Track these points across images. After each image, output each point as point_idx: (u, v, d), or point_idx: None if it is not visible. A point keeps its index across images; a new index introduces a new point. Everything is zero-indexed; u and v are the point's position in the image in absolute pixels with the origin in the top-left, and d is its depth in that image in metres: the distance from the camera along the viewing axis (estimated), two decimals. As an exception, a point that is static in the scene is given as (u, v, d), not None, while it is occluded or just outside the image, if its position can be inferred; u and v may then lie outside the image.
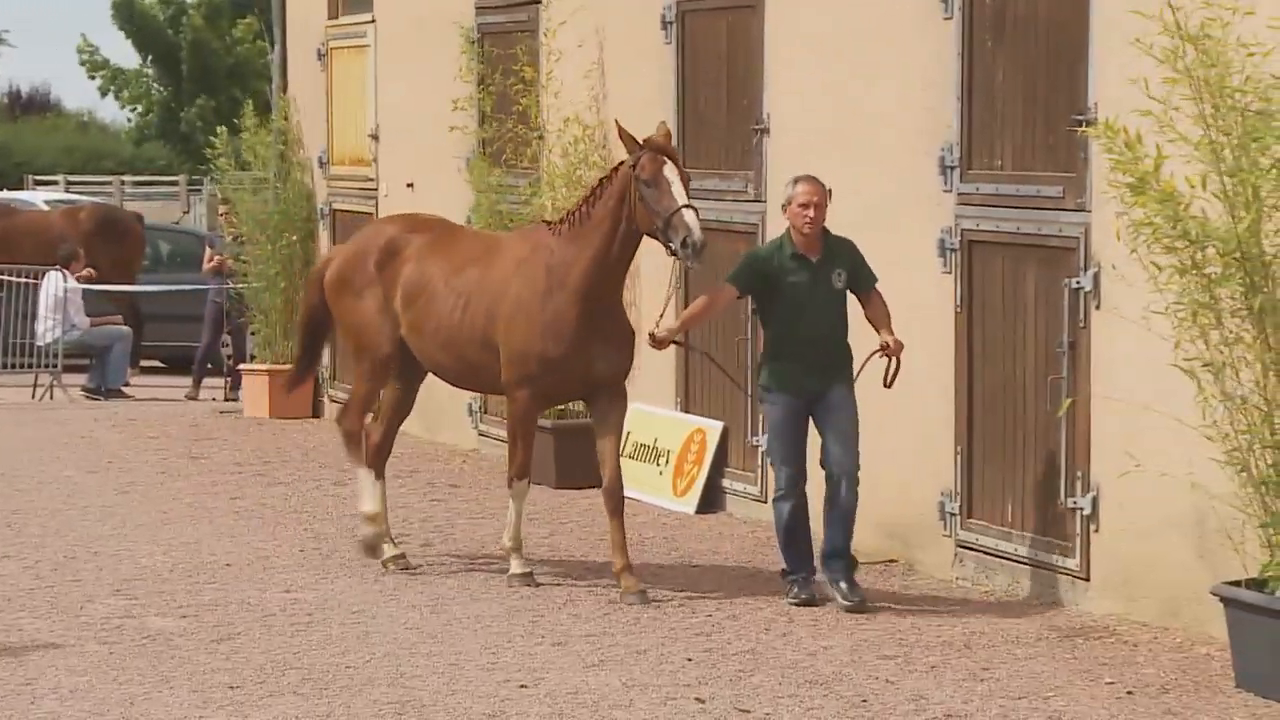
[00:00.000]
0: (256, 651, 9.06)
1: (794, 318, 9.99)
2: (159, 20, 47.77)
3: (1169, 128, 8.65)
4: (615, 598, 10.16)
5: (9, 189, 37.05)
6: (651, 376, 12.68)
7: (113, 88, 48.55)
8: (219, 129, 18.78)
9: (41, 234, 21.80)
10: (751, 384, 11.63)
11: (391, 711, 8.11)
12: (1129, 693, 8.50)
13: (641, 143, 10.07)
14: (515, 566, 10.52)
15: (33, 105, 60.54)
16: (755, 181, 12.40)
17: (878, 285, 10.16)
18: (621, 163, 10.19)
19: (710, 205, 11.68)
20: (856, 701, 8.31)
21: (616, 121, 10.18)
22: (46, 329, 19.95)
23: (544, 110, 14.25)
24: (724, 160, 12.63)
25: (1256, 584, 8.59)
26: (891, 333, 9.98)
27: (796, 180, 10.10)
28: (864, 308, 10.13)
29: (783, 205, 10.14)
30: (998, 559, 10.56)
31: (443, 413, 14.92)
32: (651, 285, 12.24)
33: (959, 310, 10.78)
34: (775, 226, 12.12)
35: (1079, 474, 10.01)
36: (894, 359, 9.97)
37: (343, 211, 17.41)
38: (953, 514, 10.85)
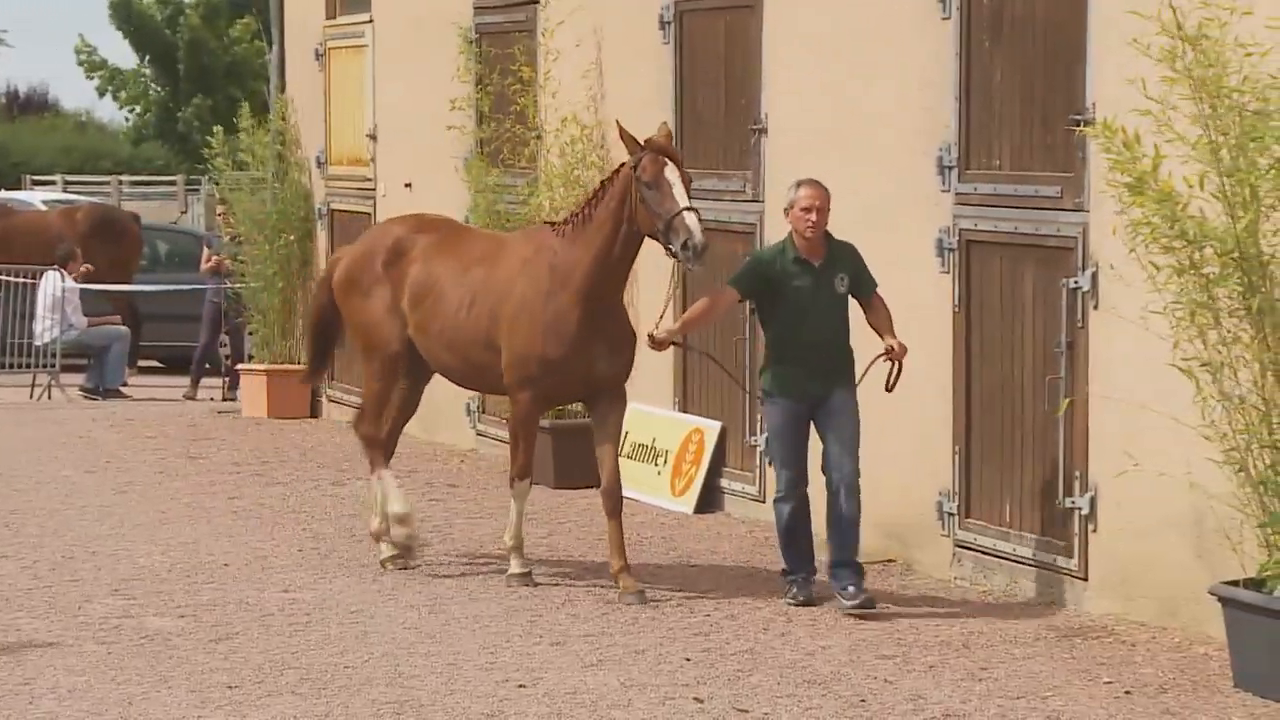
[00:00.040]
0: (255, 651, 9.06)
1: (796, 322, 9.96)
2: (156, 20, 47.79)
3: (1167, 127, 8.65)
4: (613, 598, 10.16)
5: (7, 189, 37.05)
6: (649, 376, 12.68)
7: (110, 88, 48.54)
8: (216, 129, 18.78)
9: (39, 234, 21.80)
10: (751, 383, 11.65)
11: (390, 711, 8.11)
12: (1127, 692, 8.50)
13: (643, 144, 10.05)
14: (514, 566, 10.53)
15: (30, 105, 60.53)
16: (753, 181, 12.40)
17: (878, 288, 10.15)
18: (623, 164, 10.18)
19: (708, 205, 11.67)
20: (855, 701, 8.31)
21: (618, 122, 10.17)
22: (44, 329, 19.94)
23: (542, 110, 14.25)
24: (722, 160, 12.63)
25: (1254, 584, 8.60)
26: (895, 337, 9.96)
27: (799, 184, 10.05)
28: (866, 312, 10.11)
29: (785, 209, 10.09)
30: (996, 559, 10.57)
31: (441, 413, 14.91)
32: (650, 286, 12.23)
33: (957, 310, 10.78)
34: (773, 226, 12.13)
35: (1077, 474, 10.01)
36: (897, 363, 9.95)
37: (340, 211, 17.41)
38: (951, 514, 10.85)
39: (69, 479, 14.01)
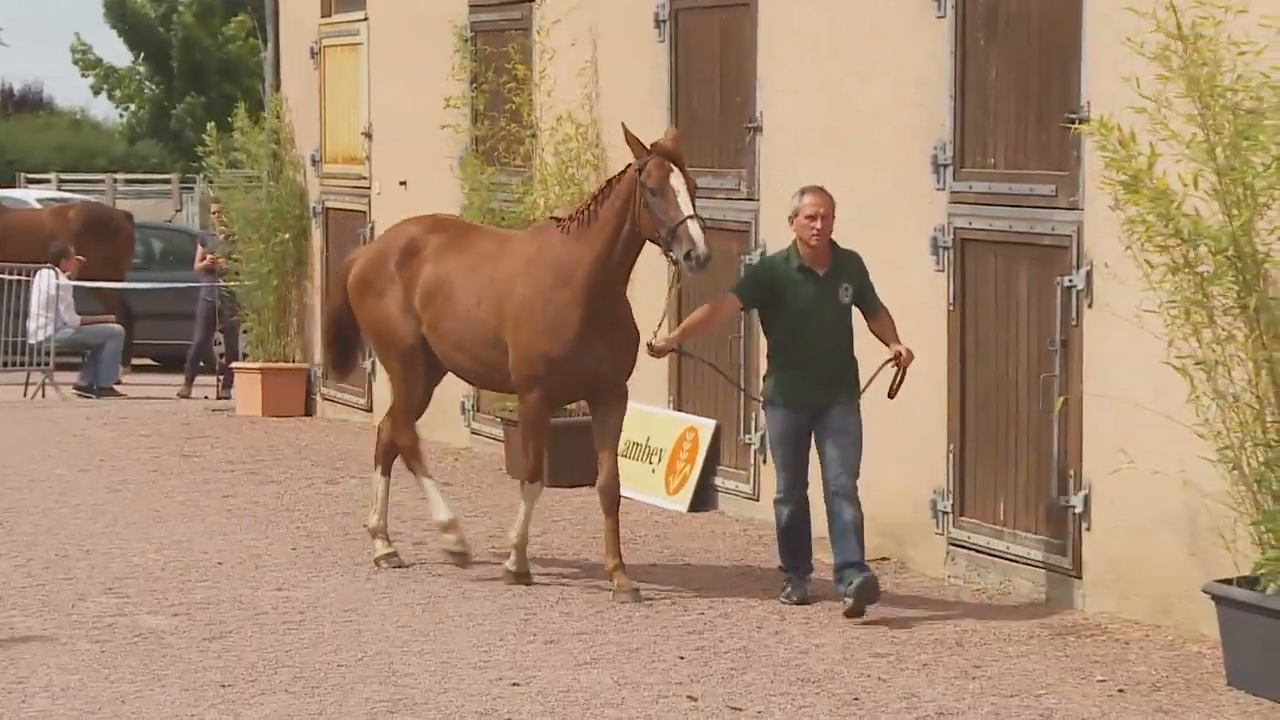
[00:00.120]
0: (248, 650, 9.05)
1: (799, 330, 9.89)
2: (150, 17, 47.75)
3: (1161, 126, 8.66)
4: (608, 596, 10.16)
5: (1, 187, 37.03)
6: (644, 375, 12.64)
7: (105, 86, 48.51)
8: (210, 126, 18.77)
9: (32, 232, 21.78)
10: (748, 385, 11.64)
11: (383, 710, 8.10)
12: (1120, 690, 8.50)
13: (649, 147, 10.01)
14: (513, 563, 10.51)
15: (25, 103, 60.53)
16: (748, 180, 12.40)
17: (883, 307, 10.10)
18: (629, 165, 10.14)
19: (703, 203, 11.65)
20: (848, 699, 8.31)
21: (624, 126, 10.11)
22: (39, 326, 19.93)
23: (537, 108, 14.25)
24: (717, 158, 12.63)
25: (1248, 582, 8.60)
26: (900, 344, 9.92)
27: (803, 192, 9.97)
28: (869, 321, 10.05)
29: (789, 217, 10.00)
30: (990, 557, 10.57)
31: (436, 411, 14.78)
32: (646, 285, 12.22)
33: (952, 309, 10.78)
34: (768, 225, 12.14)
35: (1071, 472, 10.01)
36: (902, 370, 9.92)
37: (335, 210, 17.40)
38: (945, 512, 10.86)
39: (63, 477, 14.00)
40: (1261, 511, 8.64)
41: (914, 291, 10.81)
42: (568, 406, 11.88)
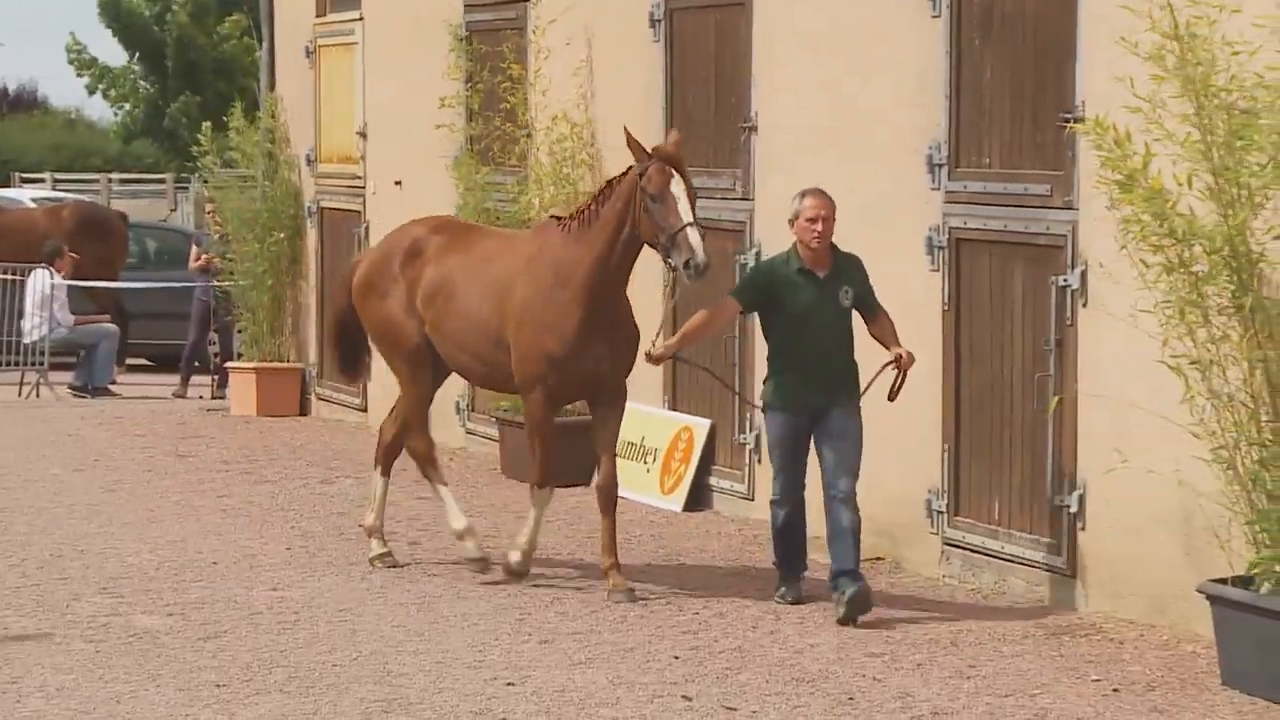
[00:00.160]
0: (243, 649, 9.05)
1: (799, 333, 9.85)
2: (145, 17, 47.72)
3: (1156, 125, 8.66)
4: (603, 596, 10.16)
5: (-4, 186, 37.02)
6: (640, 375, 12.60)
7: (100, 85, 48.48)
8: (205, 126, 18.76)
9: (26, 232, 21.75)
10: (743, 385, 11.62)
11: (378, 709, 8.10)
12: (1115, 690, 8.50)
13: (650, 152, 9.98)
14: (515, 560, 10.48)
15: (20, 103, 60.46)
16: (743, 180, 12.40)
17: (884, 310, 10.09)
18: (630, 168, 10.12)
19: (698, 203, 11.66)
20: (843, 699, 8.31)
21: (626, 130, 10.08)
22: (33, 326, 19.92)
23: (532, 108, 14.24)
24: (712, 158, 12.62)
25: (1242, 581, 8.61)
26: (901, 346, 9.90)
27: (803, 194, 9.94)
28: (869, 325, 10.03)
29: (790, 220, 9.97)
30: (985, 557, 10.57)
31: (431, 411, 14.87)
32: (642, 284, 12.21)
33: (946, 308, 10.79)
34: (763, 224, 12.14)
35: (1066, 472, 10.02)
36: (902, 373, 9.90)
37: (330, 209, 17.40)
38: (940, 512, 10.86)
39: (57, 477, 13.99)
40: (1256, 511, 8.65)
41: (909, 291, 10.81)
42: (566, 406, 11.85)
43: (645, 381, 12.96)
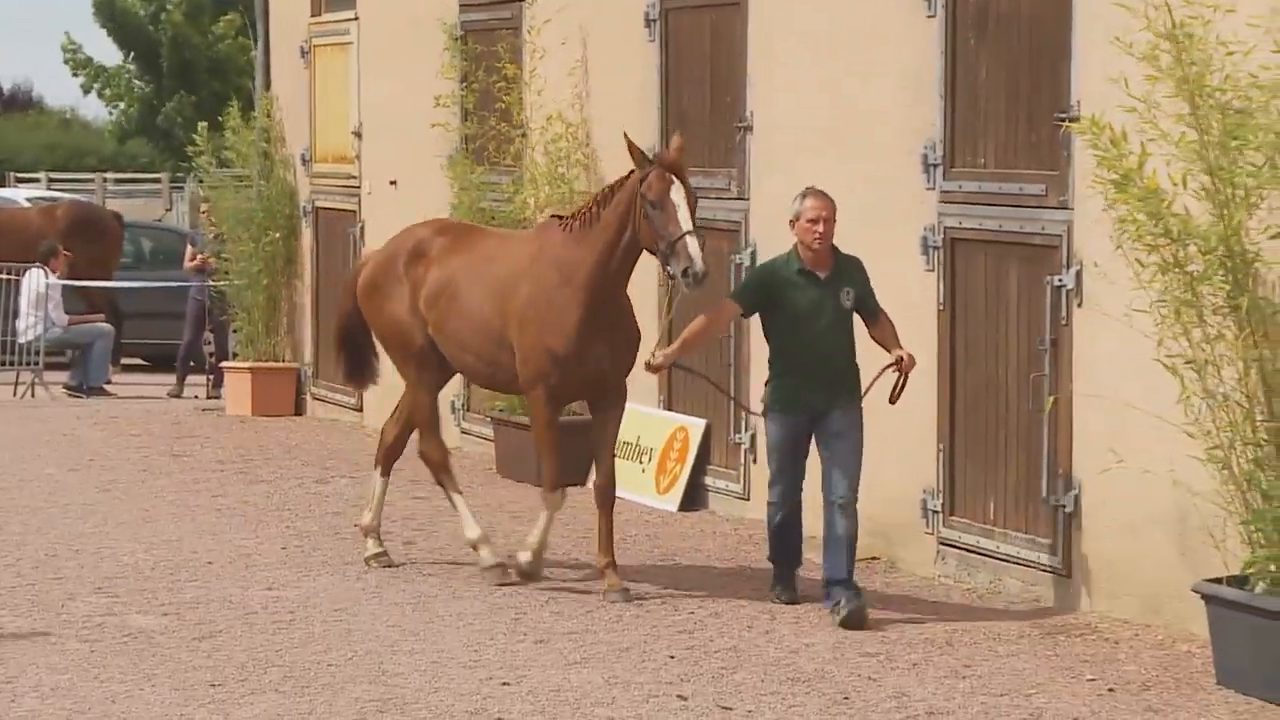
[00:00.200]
0: (238, 649, 9.05)
1: (799, 335, 9.83)
2: (140, 16, 47.72)
3: (1151, 125, 8.66)
4: (598, 595, 10.15)
5: (-9, 186, 37.01)
6: (635, 374, 12.65)
7: (95, 85, 48.47)
8: (200, 125, 18.76)
9: (20, 231, 21.74)
10: (739, 385, 11.61)
11: (373, 709, 8.10)
12: (1110, 690, 8.51)
13: (651, 158, 9.96)
14: (524, 559, 10.47)
15: (15, 103, 60.45)
16: (738, 179, 12.40)
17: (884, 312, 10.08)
18: (632, 172, 10.10)
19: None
20: (838, 699, 8.31)
21: (626, 135, 10.05)
22: (28, 326, 19.91)
23: (527, 108, 14.24)
24: (707, 158, 12.62)
25: (1237, 581, 8.61)
26: (902, 349, 9.89)
27: (804, 195, 9.90)
28: (869, 327, 10.01)
29: (790, 221, 9.94)
30: (980, 556, 10.57)
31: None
32: (640, 283, 12.21)
33: (942, 308, 10.79)
34: (758, 224, 12.14)
35: (1061, 471, 10.02)
36: (904, 375, 9.89)
37: (326, 209, 17.39)
38: (935, 511, 10.86)
39: (52, 477, 13.98)
40: (1251, 511, 8.65)
41: (904, 291, 10.81)
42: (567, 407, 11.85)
43: (641, 382, 12.95)
